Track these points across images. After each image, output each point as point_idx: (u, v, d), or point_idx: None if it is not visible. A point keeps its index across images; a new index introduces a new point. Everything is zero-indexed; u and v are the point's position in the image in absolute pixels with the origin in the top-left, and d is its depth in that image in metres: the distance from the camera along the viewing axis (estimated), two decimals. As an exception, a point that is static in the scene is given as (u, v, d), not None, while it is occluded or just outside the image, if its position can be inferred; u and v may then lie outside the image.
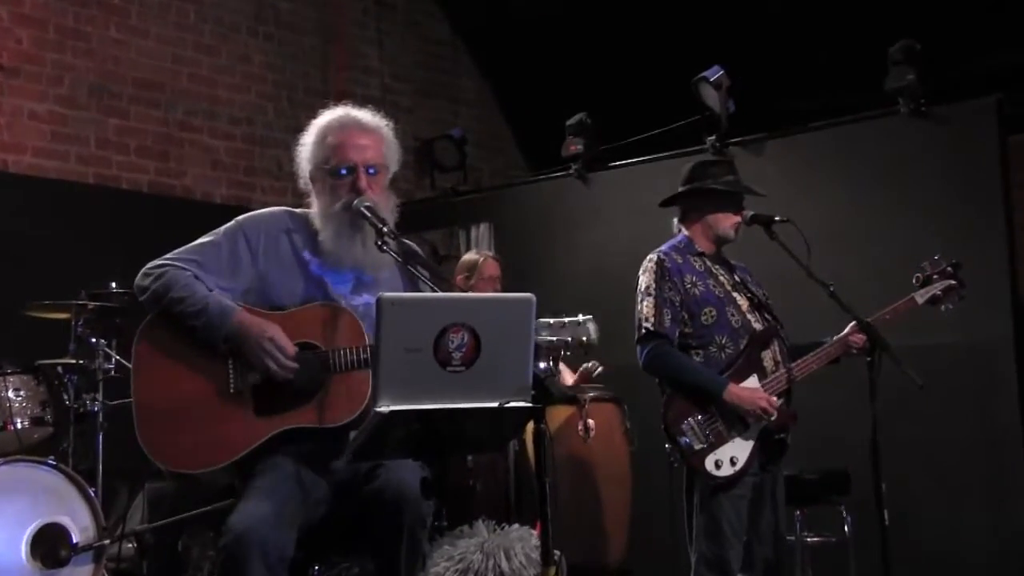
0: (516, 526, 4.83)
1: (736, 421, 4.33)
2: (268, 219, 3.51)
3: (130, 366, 3.35)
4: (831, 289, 4.29)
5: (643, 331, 4.44)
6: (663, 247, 4.57)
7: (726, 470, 4.29)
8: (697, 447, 4.30)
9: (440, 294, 3.19)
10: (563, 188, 7.73)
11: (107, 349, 5.78)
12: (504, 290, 5.97)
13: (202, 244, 3.43)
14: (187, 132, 8.12)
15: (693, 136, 6.93)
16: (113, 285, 5.91)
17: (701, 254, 4.54)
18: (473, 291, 5.87)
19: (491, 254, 6.44)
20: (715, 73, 6.75)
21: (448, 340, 2.81)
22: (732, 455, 4.31)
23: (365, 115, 3.52)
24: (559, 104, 7.79)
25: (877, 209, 6.35)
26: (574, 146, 7.53)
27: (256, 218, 3.51)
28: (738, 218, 4.52)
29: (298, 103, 8.63)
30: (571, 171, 7.61)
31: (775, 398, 4.34)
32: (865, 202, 6.41)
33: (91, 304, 5.76)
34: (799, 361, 4.42)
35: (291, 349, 3.30)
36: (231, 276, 3.39)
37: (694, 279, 4.46)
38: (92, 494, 5.26)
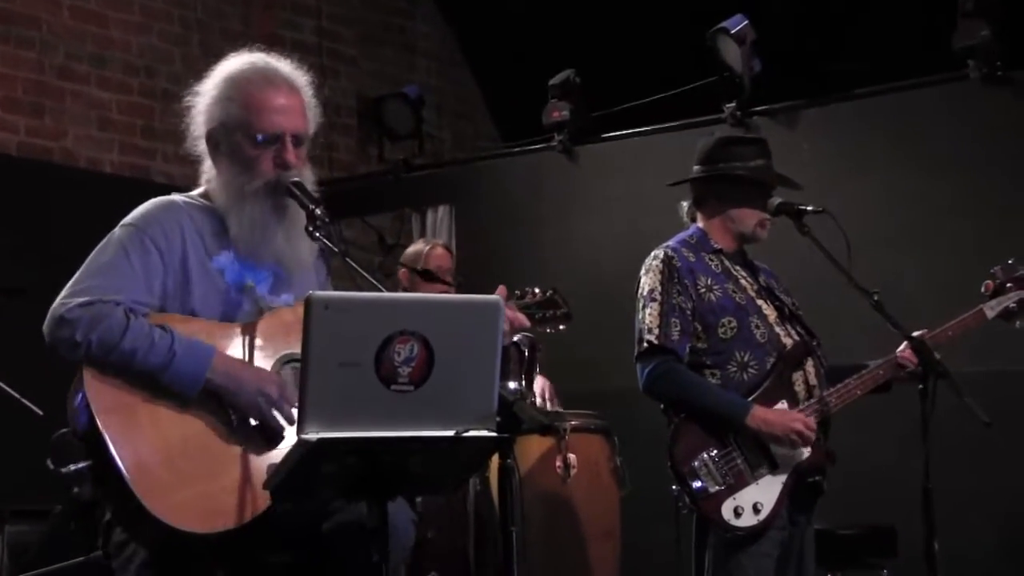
0: (475, 588, 4.85)
1: (761, 457, 4.32)
2: (161, 215, 3.46)
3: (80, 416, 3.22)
4: (875, 298, 4.28)
5: (645, 345, 4.44)
6: (671, 241, 4.57)
7: (747, 519, 4.28)
8: (712, 489, 4.28)
9: (385, 294, 3.20)
10: (544, 164, 7.75)
11: (-40, 355, 5.77)
12: (461, 290, 5.97)
13: (108, 263, 3.35)
14: (69, 82, 8.08)
15: (708, 102, 6.96)
16: (-29, 274, 5.91)
17: (718, 251, 4.55)
18: (419, 290, 5.88)
19: (440, 242, 6.44)
20: (737, 24, 6.78)
21: (393, 352, 2.83)
22: (756, 500, 4.29)
23: (287, 67, 3.55)
24: (541, 59, 7.81)
25: (939, 198, 6.39)
26: (558, 112, 7.54)
27: (148, 217, 3.45)
28: (766, 215, 4.53)
29: (212, 48, 8.60)
30: (554, 143, 7.63)
31: (813, 421, 4.34)
32: (924, 189, 6.44)
33: (-59, 298, 5.74)
34: (839, 386, 4.43)
35: (294, 399, 3.16)
36: (148, 292, 3.34)
37: (710, 282, 4.47)
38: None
